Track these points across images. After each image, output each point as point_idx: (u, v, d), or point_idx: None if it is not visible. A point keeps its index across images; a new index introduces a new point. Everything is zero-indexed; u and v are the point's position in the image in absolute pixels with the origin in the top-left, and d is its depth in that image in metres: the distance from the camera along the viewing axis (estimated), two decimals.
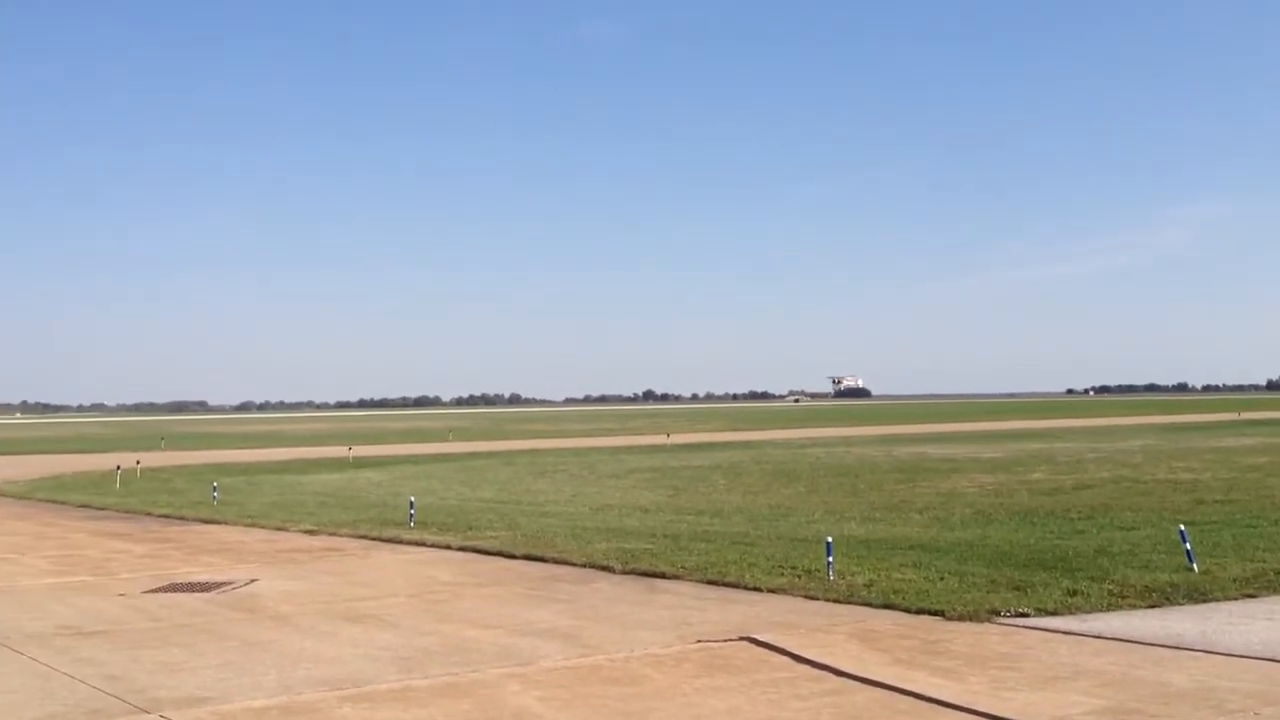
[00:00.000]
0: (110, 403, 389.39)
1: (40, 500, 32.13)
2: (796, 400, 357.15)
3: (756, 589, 14.10)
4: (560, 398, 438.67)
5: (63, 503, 30.99)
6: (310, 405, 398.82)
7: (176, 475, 42.68)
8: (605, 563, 16.43)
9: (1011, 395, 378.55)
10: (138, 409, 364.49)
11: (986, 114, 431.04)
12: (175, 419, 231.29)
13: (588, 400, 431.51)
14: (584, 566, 16.42)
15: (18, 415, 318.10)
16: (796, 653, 10.41)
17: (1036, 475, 33.12)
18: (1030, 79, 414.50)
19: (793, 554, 16.66)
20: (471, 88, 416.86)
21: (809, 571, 14.97)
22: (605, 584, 15.00)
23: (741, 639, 11.11)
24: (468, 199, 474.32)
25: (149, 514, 26.86)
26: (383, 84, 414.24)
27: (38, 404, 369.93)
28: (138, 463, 44.65)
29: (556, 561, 16.98)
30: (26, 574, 17.18)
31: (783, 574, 14.93)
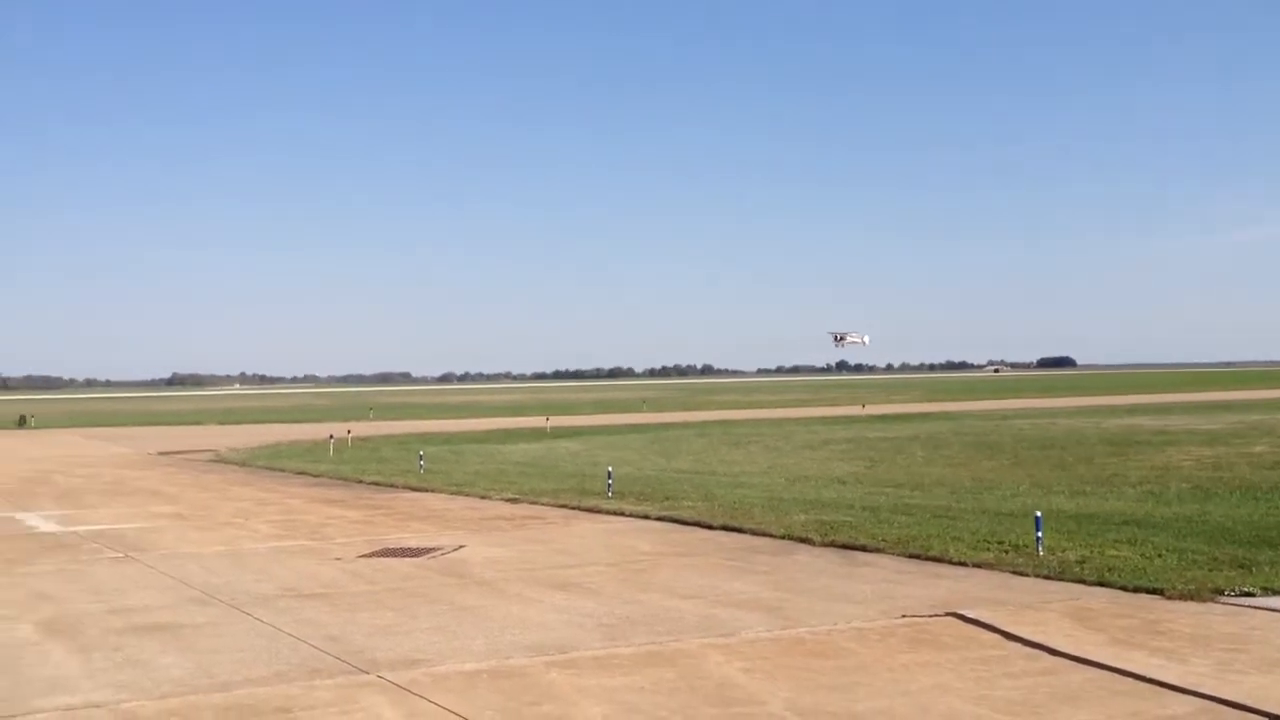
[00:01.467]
0: (321, 374, 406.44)
1: (260, 467, 33.77)
2: (996, 370, 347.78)
3: (961, 564, 13.76)
4: (752, 368, 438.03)
5: (280, 470, 32.49)
6: (508, 376, 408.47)
7: (384, 444, 44.29)
8: (804, 534, 16.30)
9: (1229, 364, 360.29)
10: (346, 380, 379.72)
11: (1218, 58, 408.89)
12: (381, 390, 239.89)
13: (780, 371, 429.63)
14: (782, 538, 16.33)
15: (237, 386, 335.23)
16: (1007, 630, 10.11)
17: (1259, 448, 31.46)
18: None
19: (998, 528, 16.22)
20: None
21: (1016, 547, 14.54)
22: (805, 556, 14.89)
23: (948, 614, 10.86)
24: (647, 168, 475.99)
25: (360, 481, 27.92)
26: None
27: (255, 375, 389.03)
28: (348, 432, 46.49)
29: (754, 533, 16.93)
30: (250, 538, 18.07)
31: (988, 549, 14.54)
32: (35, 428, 67.72)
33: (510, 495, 23.14)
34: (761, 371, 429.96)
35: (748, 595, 12.21)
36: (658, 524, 18.51)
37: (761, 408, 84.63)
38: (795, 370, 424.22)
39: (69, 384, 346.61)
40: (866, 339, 77.12)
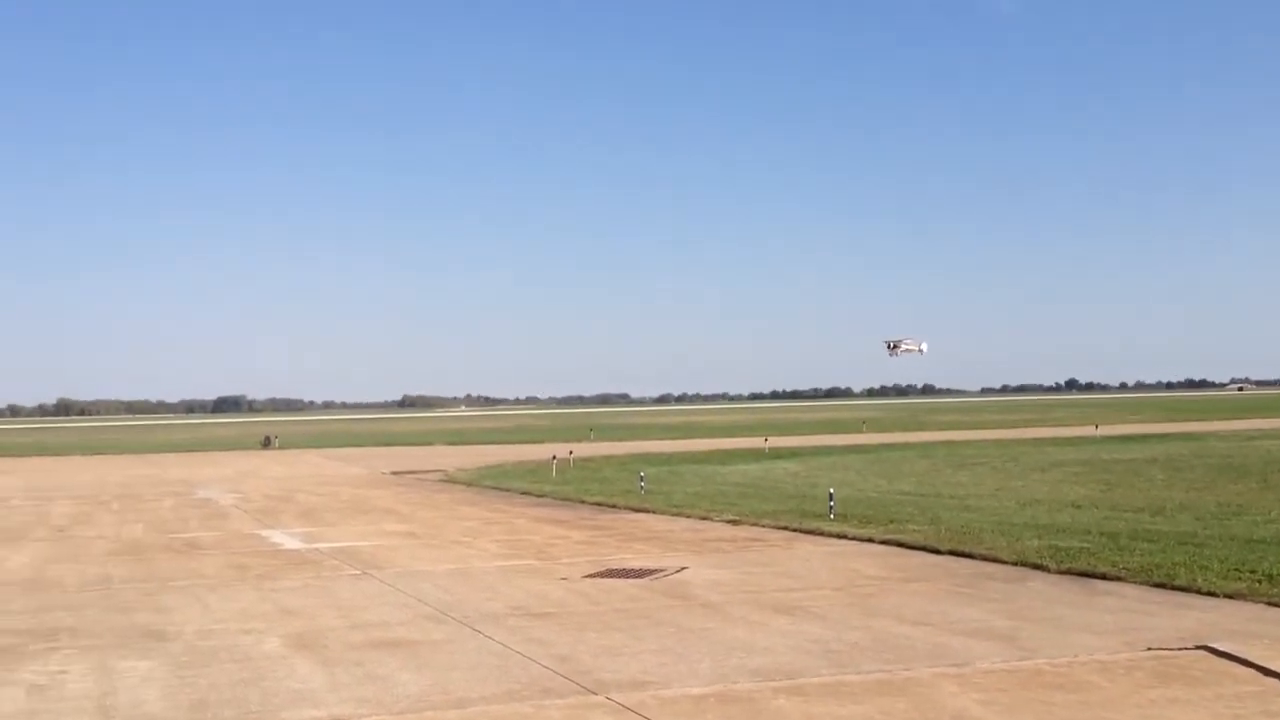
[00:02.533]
0: (542, 395, 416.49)
1: (486, 487, 34.71)
2: (1240, 388, 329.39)
3: (1210, 594, 12.99)
4: (975, 387, 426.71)
5: (506, 490, 33.32)
6: (724, 397, 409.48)
7: (605, 465, 44.92)
8: (1038, 561, 15.69)
9: None
10: (566, 401, 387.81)
11: None
12: (601, 411, 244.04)
13: (1005, 390, 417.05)
14: (1014, 564, 15.76)
15: (463, 407, 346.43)
16: (1264, 665, 9.47)
17: None
18: None
19: (1249, 556, 15.27)
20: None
21: (1270, 576, 13.65)
22: (1039, 583, 14.32)
23: (1198, 648, 10.24)
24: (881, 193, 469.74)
25: (583, 501, 28.36)
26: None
27: (480, 397, 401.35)
28: (570, 453, 47.34)
29: (984, 558, 16.40)
30: (479, 557, 18.55)
31: (1239, 578, 13.69)
32: (279, 448, 71.47)
33: (731, 517, 23.10)
34: (985, 391, 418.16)
35: (979, 623, 11.81)
36: (882, 548, 18.14)
37: (986, 428, 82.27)
38: (1021, 389, 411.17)
39: (309, 406, 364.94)
40: (924, 346, 74.15)
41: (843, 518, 21.65)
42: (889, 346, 70.54)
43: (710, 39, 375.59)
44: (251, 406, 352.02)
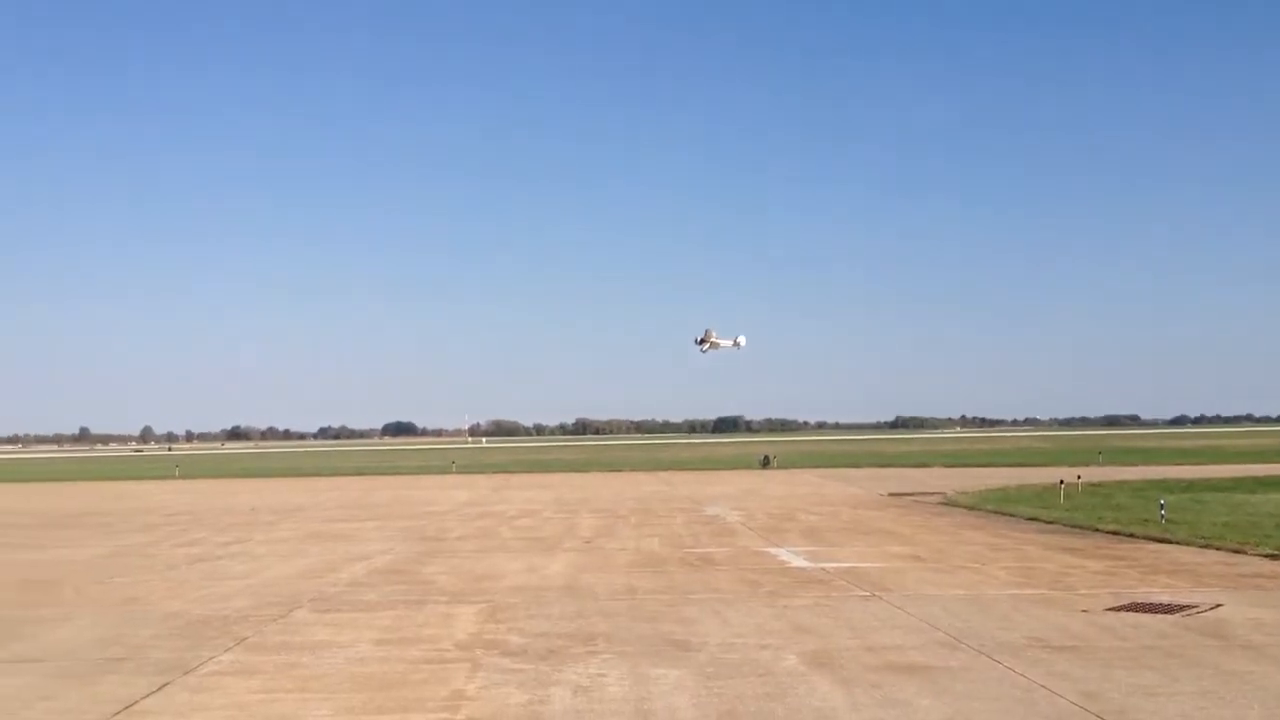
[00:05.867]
0: (1043, 417, 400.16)
1: (989, 511, 33.77)
2: None
3: None
4: None
5: (1010, 515, 32.23)
6: (1248, 419, 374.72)
7: (1117, 490, 42.37)
8: None
9: None
10: (1070, 423, 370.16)
11: None
12: (1107, 433, 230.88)
13: None
14: None
15: (957, 429, 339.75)
16: None
17: None
18: None
19: None
20: None
21: None
22: None
23: None
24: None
25: (1095, 529, 26.89)
26: None
27: (975, 418, 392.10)
28: (1078, 477, 45.10)
29: None
30: (989, 583, 18.05)
31: None
32: (777, 467, 73.43)
33: (1269, 550, 21.04)
34: None
35: None
36: None
37: None
38: None
39: (802, 426, 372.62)
40: (741, 340, 63.21)
41: None
42: (698, 341, 64.13)
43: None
44: (749, 426, 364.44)
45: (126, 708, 10.52)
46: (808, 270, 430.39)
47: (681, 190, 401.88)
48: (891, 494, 44.06)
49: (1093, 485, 45.00)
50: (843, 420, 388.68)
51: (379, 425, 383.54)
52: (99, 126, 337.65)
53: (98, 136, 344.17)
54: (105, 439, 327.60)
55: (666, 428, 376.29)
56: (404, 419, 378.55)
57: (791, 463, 76.03)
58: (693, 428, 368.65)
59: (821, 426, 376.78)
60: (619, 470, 71.88)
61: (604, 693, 10.73)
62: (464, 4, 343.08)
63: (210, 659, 12.76)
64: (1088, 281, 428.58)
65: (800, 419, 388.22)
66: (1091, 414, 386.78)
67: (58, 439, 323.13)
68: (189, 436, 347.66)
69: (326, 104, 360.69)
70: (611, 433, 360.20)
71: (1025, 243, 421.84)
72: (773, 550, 23.79)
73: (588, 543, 25.98)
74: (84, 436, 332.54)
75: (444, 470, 73.36)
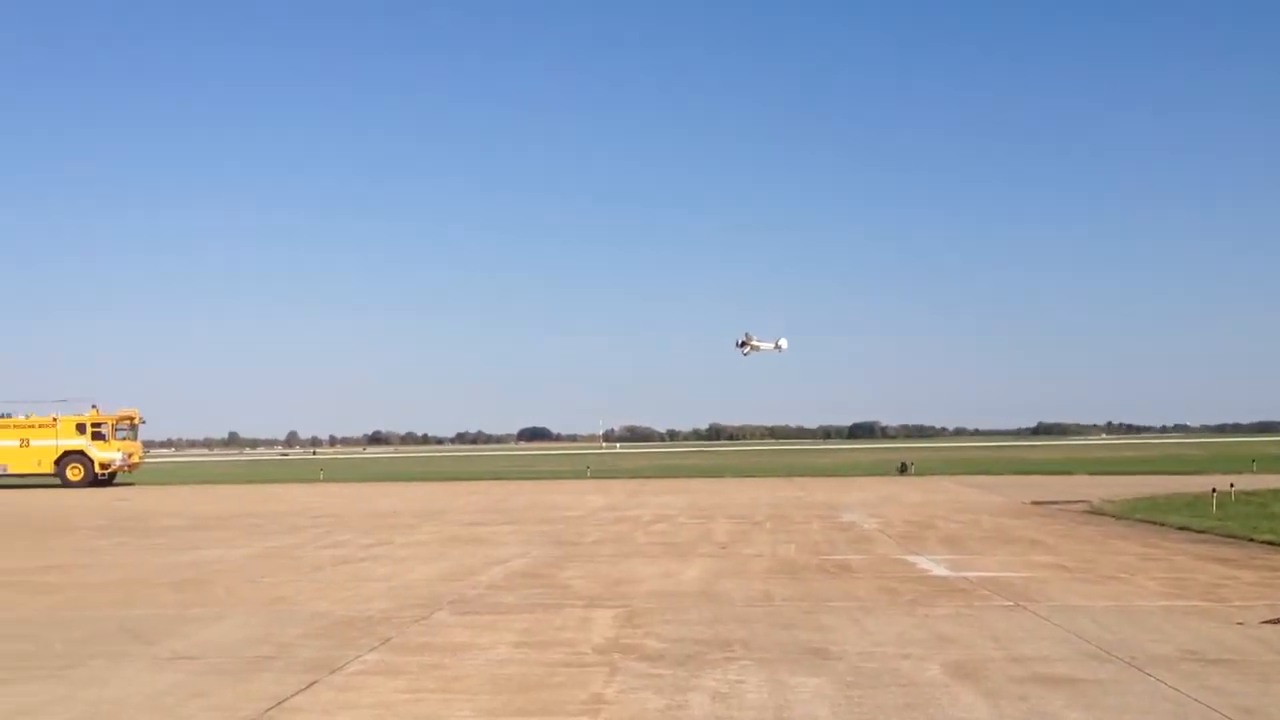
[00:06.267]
0: (1193, 423, 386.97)
1: (1137, 520, 32.77)
2: None
3: None
4: None
5: (1160, 524, 31.23)
6: None
7: (1273, 499, 40.71)
8: None
9: None
10: (1221, 430, 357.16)
11: None
12: (1262, 440, 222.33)
13: None
14: None
15: (1103, 436, 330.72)
16: None
17: None
18: None
19: None
20: None
21: None
22: None
23: None
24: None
25: (1251, 539, 25.88)
26: None
27: (1121, 425, 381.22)
28: (1231, 485, 43.47)
29: None
30: (1138, 594, 17.50)
31: None
32: (915, 474, 72.36)
33: None
34: None
35: None
36: None
37: None
38: None
39: (940, 432, 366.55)
40: (783, 343, 61.39)
41: None
42: (739, 344, 64.38)
43: None
44: (885, 432, 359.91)
45: (278, 704, 10.85)
46: (948, 271, 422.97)
47: (822, 190, 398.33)
48: (1034, 502, 43.03)
49: (1247, 494, 43.32)
50: (982, 426, 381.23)
51: (514, 430, 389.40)
52: (266, 128, 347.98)
53: (264, 141, 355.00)
54: (253, 443, 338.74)
55: (800, 433, 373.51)
56: (539, 424, 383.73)
57: (929, 469, 74.81)
58: (827, 433, 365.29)
59: (960, 433, 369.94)
60: (753, 476, 71.58)
61: (742, 700, 10.70)
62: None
63: (356, 658, 13.08)
64: (1243, 280, 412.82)
65: (938, 425, 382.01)
66: (1244, 420, 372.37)
67: (208, 442, 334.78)
68: (331, 441, 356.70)
69: (477, 120, 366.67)
70: (745, 438, 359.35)
71: (1178, 242, 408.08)
72: (912, 558, 23.43)
73: (723, 548, 25.93)
74: (233, 440, 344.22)
75: (579, 475, 74.00)
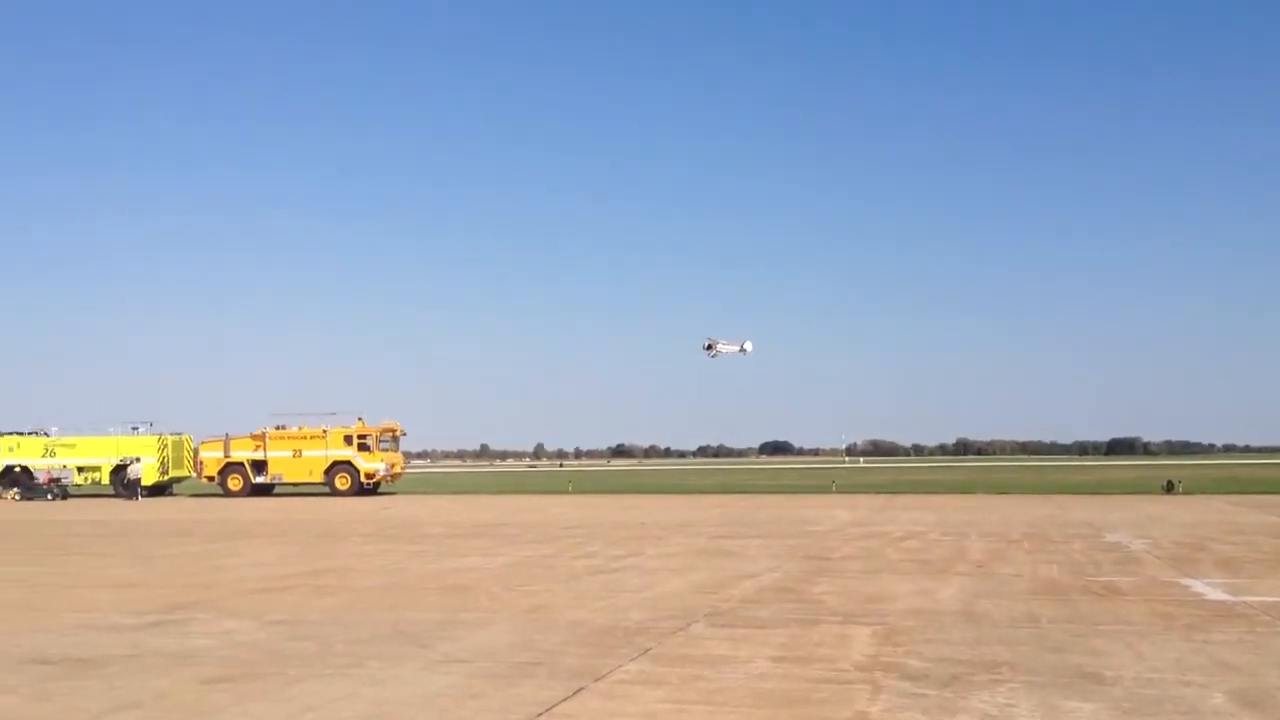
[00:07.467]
0: None
1: None
2: None
3: None
4: None
5: None
6: None
7: None
8: None
9: None
10: None
11: None
12: None
13: None
14: None
15: None
16: None
17: None
18: None
19: None
20: None
21: None
22: None
23: None
24: None
25: None
26: None
27: None
28: None
29: None
30: None
31: None
32: (1182, 493, 68.61)
33: None
34: None
35: None
36: None
37: None
38: None
39: (1209, 449, 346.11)
40: (748, 346, 66.66)
41: None
42: (705, 348, 65.97)
43: None
44: (1147, 449, 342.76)
45: (548, 709, 11.15)
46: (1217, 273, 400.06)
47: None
48: None
49: None
50: (1254, 443, 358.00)
51: (756, 444, 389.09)
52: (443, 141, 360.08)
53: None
54: (503, 455, 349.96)
55: (1054, 449, 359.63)
56: (780, 438, 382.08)
57: (1198, 488, 70.83)
58: (1083, 449, 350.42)
59: (1230, 449, 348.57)
60: (1005, 493, 69.38)
61: None
62: None
63: (618, 667, 13.31)
64: None
65: (1206, 441, 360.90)
66: None
67: (461, 454, 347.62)
68: (577, 453, 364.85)
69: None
70: (994, 453, 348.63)
71: None
72: (1185, 581, 22.24)
73: (979, 567, 25.22)
74: (484, 452, 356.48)
75: (823, 490, 73.36)
